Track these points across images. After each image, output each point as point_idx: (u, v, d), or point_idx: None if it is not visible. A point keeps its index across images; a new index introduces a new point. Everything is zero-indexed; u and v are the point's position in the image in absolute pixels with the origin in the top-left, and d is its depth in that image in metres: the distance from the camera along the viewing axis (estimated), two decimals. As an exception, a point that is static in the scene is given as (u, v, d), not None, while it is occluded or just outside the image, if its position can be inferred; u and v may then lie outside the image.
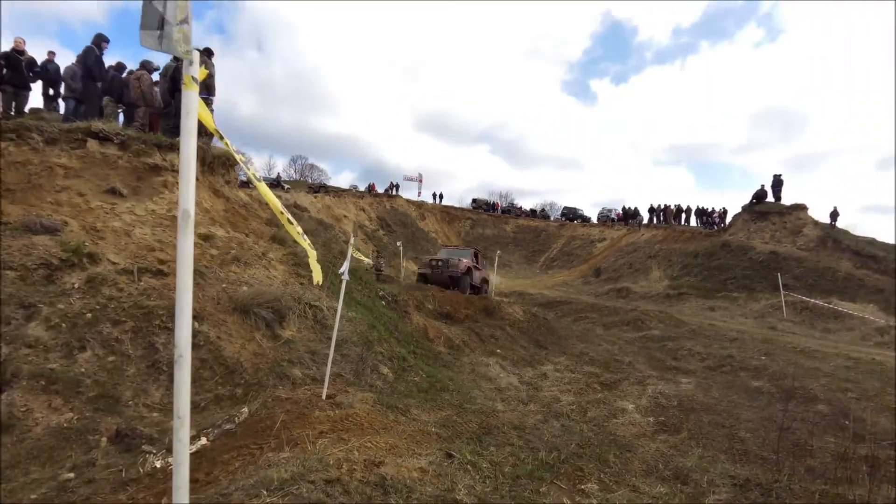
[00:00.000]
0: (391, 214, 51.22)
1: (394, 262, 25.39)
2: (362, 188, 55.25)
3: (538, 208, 60.17)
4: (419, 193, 59.20)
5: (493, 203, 59.99)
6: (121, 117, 10.35)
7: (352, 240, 5.10)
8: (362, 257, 5.51)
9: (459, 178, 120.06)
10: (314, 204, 42.40)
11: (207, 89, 8.94)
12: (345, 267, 4.97)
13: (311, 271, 3.52)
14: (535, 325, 12.89)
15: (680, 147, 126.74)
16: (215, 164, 8.68)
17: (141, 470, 3.55)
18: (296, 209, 39.23)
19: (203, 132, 10.06)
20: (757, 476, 4.03)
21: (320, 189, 46.23)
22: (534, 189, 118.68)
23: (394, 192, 55.76)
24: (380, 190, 55.70)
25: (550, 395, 7.71)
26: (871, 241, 22.43)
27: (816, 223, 24.03)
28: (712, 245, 26.66)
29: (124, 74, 10.33)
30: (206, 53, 9.18)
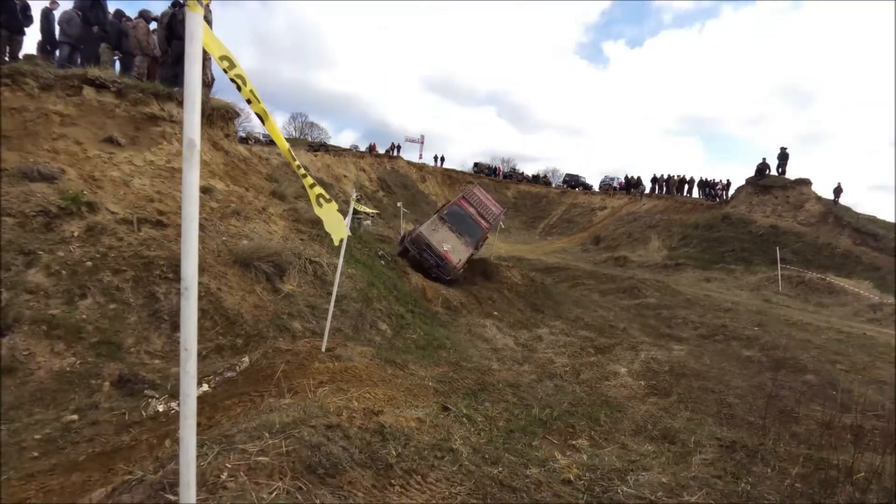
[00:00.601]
0: (392, 176, 50.77)
1: (393, 223, 25.35)
2: (363, 148, 54.46)
3: (540, 174, 59.55)
4: (420, 156, 58.55)
5: (495, 167, 59.41)
6: (117, 66, 10.09)
7: (354, 194, 5.06)
8: (367, 210, 5.49)
9: (464, 141, 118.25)
10: (314, 163, 41.92)
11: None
12: (346, 222, 4.95)
13: (314, 227, 3.50)
14: (532, 290, 12.98)
15: (691, 118, 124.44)
16: (214, 116, 8.51)
17: (144, 413, 3.64)
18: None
19: (203, 82, 9.85)
20: (743, 439, 4.14)
21: (320, 148, 45.63)
22: (539, 155, 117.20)
23: (395, 154, 55.07)
24: (381, 151, 55.06)
25: (545, 357, 7.85)
26: (873, 219, 22.39)
27: (819, 199, 23.91)
28: (713, 217, 26.59)
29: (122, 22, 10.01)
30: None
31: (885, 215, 39.40)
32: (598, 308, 12.52)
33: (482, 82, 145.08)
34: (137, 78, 8.26)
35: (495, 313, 10.88)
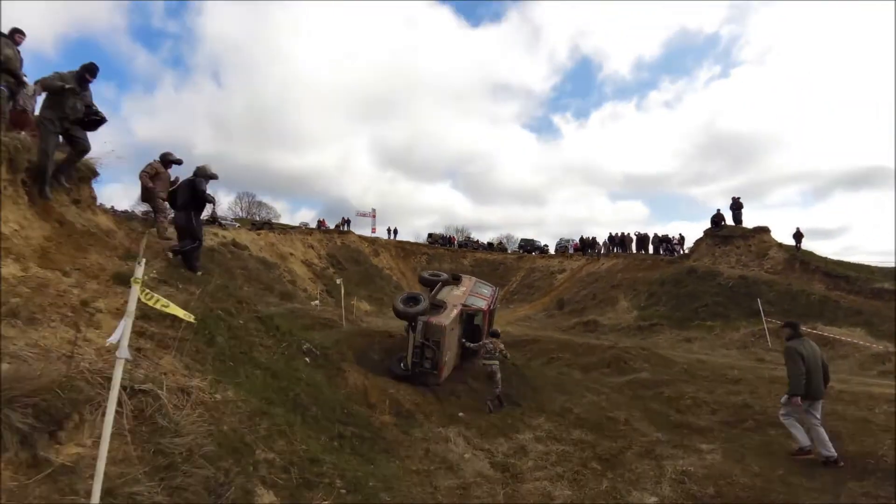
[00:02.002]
0: (342, 251, 48.36)
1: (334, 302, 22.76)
2: (313, 225, 52.17)
3: (495, 241, 58.78)
4: (373, 230, 56.79)
5: (450, 237, 58.27)
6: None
7: (136, 274, 2.69)
8: (181, 313, 3.06)
9: (422, 214, 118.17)
10: (256, 242, 39.13)
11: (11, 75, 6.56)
12: (116, 335, 2.59)
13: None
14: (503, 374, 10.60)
15: (636, 180, 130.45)
16: (60, 175, 6.11)
17: None
18: (234, 248, 35.87)
19: (25, 124, 7.36)
20: None
21: (264, 226, 42.98)
22: (495, 223, 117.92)
23: (345, 228, 53.10)
24: (331, 226, 52.95)
25: (537, 489, 5.37)
26: (839, 262, 21.81)
27: (781, 245, 23.38)
28: (678, 272, 25.55)
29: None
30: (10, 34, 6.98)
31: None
32: (586, 392, 10.20)
33: (438, 157, 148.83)
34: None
35: (461, 415, 8.35)
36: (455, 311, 10.12)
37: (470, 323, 10.73)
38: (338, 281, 17.32)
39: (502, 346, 9.68)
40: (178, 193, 7.87)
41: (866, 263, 21.91)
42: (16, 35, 7.20)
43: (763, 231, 24.05)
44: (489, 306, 11.12)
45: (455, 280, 12.16)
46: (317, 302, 29.51)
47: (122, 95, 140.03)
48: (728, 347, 16.99)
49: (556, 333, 21.16)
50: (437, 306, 10.20)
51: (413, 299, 10.26)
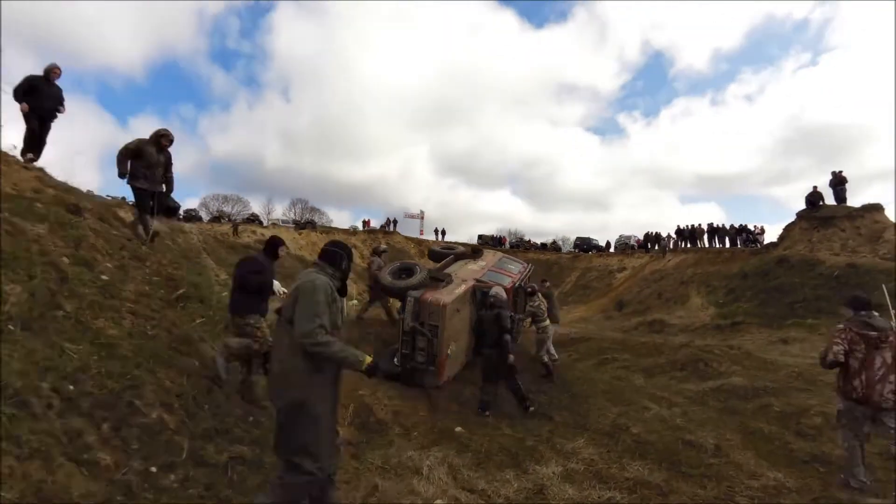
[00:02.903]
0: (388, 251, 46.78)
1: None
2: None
3: (548, 242, 55.12)
4: (421, 231, 54.96)
5: (500, 238, 55.23)
6: None
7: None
8: None
9: (482, 221, 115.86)
10: (296, 241, 38.15)
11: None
12: None
13: None
14: (533, 376, 7.83)
15: (709, 179, 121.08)
16: None
17: None
18: (271, 247, 35.09)
19: None
20: None
21: (307, 225, 42.13)
22: (556, 229, 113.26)
23: (391, 229, 51.57)
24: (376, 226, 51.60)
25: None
26: None
27: (900, 226, 18.76)
28: (765, 262, 21.35)
29: None
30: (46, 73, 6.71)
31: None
32: (650, 401, 7.23)
33: (499, 163, 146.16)
34: None
35: (458, 430, 5.68)
36: (463, 287, 7.50)
37: (485, 302, 8.07)
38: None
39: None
40: None
41: None
42: (52, 72, 6.73)
43: (875, 209, 19.50)
44: (514, 283, 8.38)
45: (474, 254, 9.54)
46: (354, 301, 27.80)
47: (200, 114, 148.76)
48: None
49: (614, 333, 17.90)
50: (439, 280, 7.63)
51: (406, 270, 7.76)
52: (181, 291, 5.45)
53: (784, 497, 4.00)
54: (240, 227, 32.41)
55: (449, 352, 7.00)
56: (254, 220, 38.63)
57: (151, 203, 6.26)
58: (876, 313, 4.48)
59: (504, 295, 7.25)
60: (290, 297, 2.92)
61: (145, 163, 6.01)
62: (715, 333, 17.09)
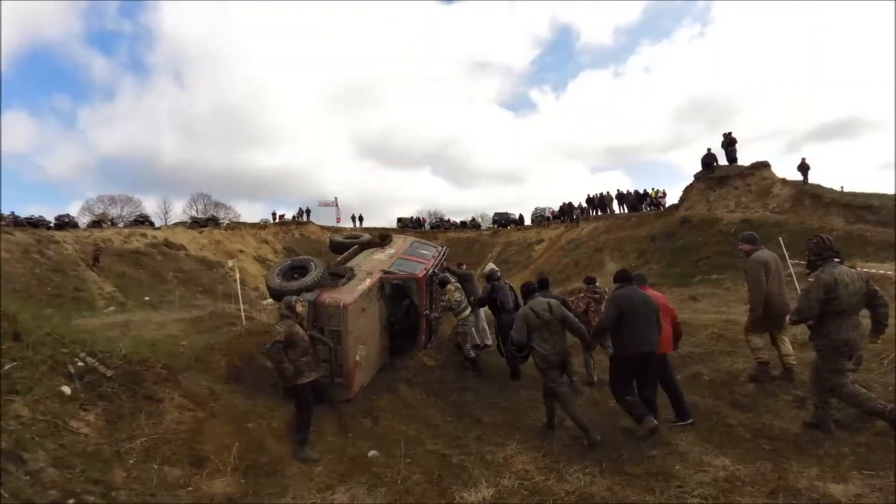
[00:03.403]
0: (301, 243, 44.18)
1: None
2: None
3: (468, 220, 55.16)
4: (338, 219, 52.59)
5: (420, 219, 54.39)
6: None
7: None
8: None
9: (405, 203, 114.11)
10: (196, 241, 34.79)
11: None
12: None
13: None
14: (460, 370, 7.11)
15: (615, 149, 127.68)
16: None
17: None
18: (167, 248, 31.51)
19: None
20: None
21: (208, 223, 38.56)
22: (477, 206, 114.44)
23: (304, 219, 48.90)
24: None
25: None
26: (855, 193, 18.88)
27: (785, 181, 20.33)
28: (668, 224, 22.45)
29: None
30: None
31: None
32: (579, 382, 6.79)
33: (417, 143, 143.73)
34: None
35: (372, 454, 4.79)
36: (368, 282, 6.55)
37: (400, 298, 7.18)
38: (230, 263, 13.47)
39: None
40: None
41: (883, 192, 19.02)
42: None
43: (763, 166, 21.00)
44: (427, 271, 7.55)
45: (381, 240, 8.58)
46: (269, 301, 25.71)
47: (79, 106, 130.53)
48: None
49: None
50: (339, 276, 6.63)
51: (298, 268, 6.67)
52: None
53: (739, 492, 3.56)
54: (100, 257, 24.68)
55: (358, 358, 6.07)
56: (143, 220, 34.59)
57: None
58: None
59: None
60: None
61: None
62: (631, 297, 17.56)
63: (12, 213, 27.92)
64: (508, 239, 43.67)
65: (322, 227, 49.38)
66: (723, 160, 22.49)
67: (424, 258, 8.20)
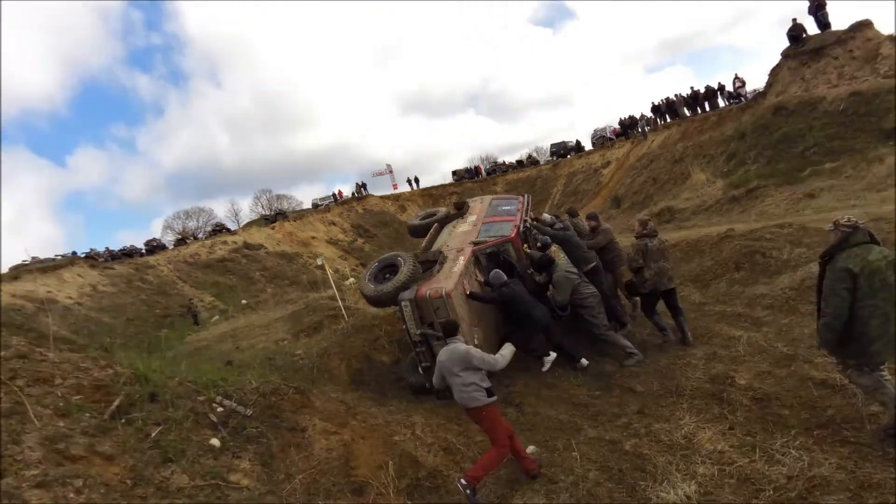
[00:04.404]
0: (366, 218, 44.78)
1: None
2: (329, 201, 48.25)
3: (524, 157, 53.10)
4: (395, 186, 52.61)
5: (475, 168, 53.11)
6: None
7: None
8: None
9: (455, 154, 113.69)
10: (271, 237, 36.13)
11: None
12: None
13: None
14: (588, 336, 6.54)
15: (669, 43, 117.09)
16: None
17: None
18: (247, 250, 32.98)
19: None
20: None
21: (277, 217, 39.84)
22: (528, 140, 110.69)
23: (363, 194, 49.27)
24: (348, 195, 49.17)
25: None
26: None
27: (894, 38, 17.16)
28: (759, 116, 19.92)
29: None
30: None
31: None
32: (730, 326, 6.04)
33: (456, 87, 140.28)
34: None
35: (531, 449, 4.41)
36: (462, 261, 6.06)
37: (496, 264, 6.61)
38: (319, 261, 13.44)
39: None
40: None
41: None
42: None
43: (865, 26, 17.80)
44: (518, 227, 6.85)
45: (458, 210, 8.04)
46: (351, 279, 26.30)
47: (135, 130, 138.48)
48: (880, 188, 11.95)
49: (623, 239, 16.73)
50: (431, 263, 6.20)
51: (388, 267, 6.25)
52: (116, 404, 3.90)
53: None
54: (196, 312, 22.00)
55: (476, 342, 5.66)
56: (220, 229, 36.30)
57: None
58: None
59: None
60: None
61: None
62: (732, 207, 15.94)
63: (107, 248, 30.17)
64: (571, 169, 41.61)
65: (382, 198, 49.64)
66: (813, 29, 19.38)
67: (510, 215, 7.56)
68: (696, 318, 6.57)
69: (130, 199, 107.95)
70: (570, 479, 3.86)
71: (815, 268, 6.60)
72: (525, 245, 6.83)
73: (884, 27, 17.77)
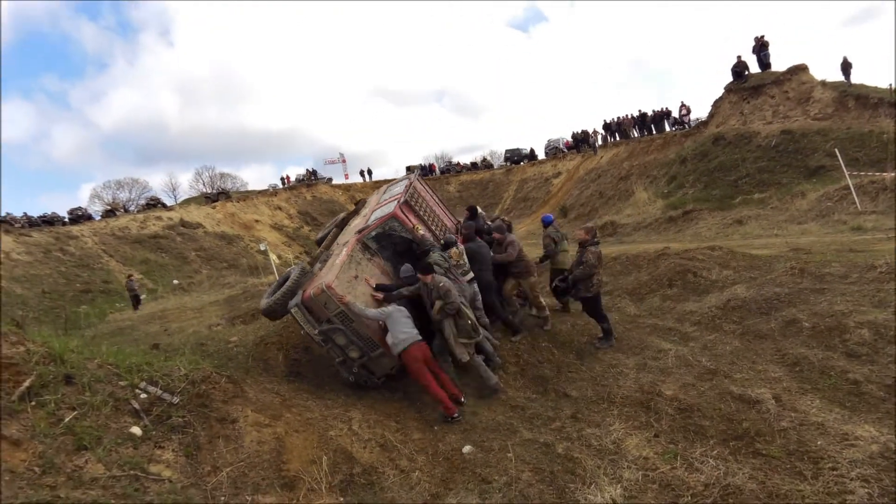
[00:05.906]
0: (314, 205, 43.64)
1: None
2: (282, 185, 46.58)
3: (478, 160, 53.65)
4: (346, 175, 51.66)
5: (430, 166, 53.06)
6: None
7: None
8: None
9: (413, 149, 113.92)
10: (211, 216, 34.43)
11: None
12: None
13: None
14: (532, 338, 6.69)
15: (640, 62, 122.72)
16: None
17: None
18: (184, 228, 31.26)
19: None
20: None
21: (220, 196, 38.01)
22: (484, 143, 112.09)
23: (313, 180, 47.98)
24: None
25: None
26: (902, 87, 17.35)
27: (825, 83, 18.79)
28: (699, 143, 21.21)
29: None
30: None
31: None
32: (661, 339, 6.35)
33: (422, 78, 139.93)
34: None
35: (466, 450, 4.46)
36: (344, 252, 6.13)
37: (390, 243, 6.65)
38: (262, 246, 13.02)
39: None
40: None
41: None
42: None
43: (800, 70, 19.37)
44: (400, 204, 6.87)
45: (357, 207, 8.31)
46: (293, 267, 25.55)
47: (70, 83, 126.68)
48: (800, 221, 13.05)
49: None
50: (323, 264, 6.33)
51: (281, 282, 6.25)
52: (26, 385, 3.57)
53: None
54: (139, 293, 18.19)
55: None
56: (155, 203, 34.18)
57: None
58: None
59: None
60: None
61: None
62: (669, 227, 16.86)
63: (25, 213, 27.63)
64: (524, 176, 42.52)
65: (332, 186, 48.60)
66: (755, 68, 20.87)
67: (393, 196, 7.69)
68: (630, 330, 6.89)
69: (58, 158, 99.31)
70: (504, 480, 3.93)
71: (738, 290, 7.12)
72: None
73: (818, 72, 19.38)
